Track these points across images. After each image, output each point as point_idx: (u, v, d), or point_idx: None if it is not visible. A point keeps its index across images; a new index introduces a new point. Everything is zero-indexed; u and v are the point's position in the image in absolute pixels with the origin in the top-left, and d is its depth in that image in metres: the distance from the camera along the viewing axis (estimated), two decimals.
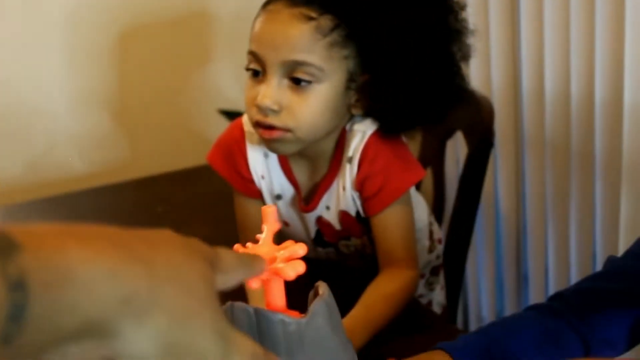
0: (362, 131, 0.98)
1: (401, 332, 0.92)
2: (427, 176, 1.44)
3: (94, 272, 0.35)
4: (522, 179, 1.72)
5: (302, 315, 0.52)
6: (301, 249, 0.54)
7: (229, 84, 2.07)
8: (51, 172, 1.99)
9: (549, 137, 1.57)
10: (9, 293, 0.32)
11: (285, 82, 0.91)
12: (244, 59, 0.95)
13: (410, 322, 0.96)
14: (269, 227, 0.56)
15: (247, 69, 0.94)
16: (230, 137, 1.05)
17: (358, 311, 0.90)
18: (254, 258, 0.49)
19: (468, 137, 1.30)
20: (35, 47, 1.91)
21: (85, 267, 0.35)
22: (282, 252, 0.53)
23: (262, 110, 0.91)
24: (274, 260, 0.52)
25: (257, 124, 0.93)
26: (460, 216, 1.29)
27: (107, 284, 0.35)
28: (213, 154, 1.07)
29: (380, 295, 0.93)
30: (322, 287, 0.54)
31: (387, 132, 0.98)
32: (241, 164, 1.03)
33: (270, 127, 0.91)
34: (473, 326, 1.99)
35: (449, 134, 1.37)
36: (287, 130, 0.91)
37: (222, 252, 0.45)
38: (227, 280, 0.44)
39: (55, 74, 1.95)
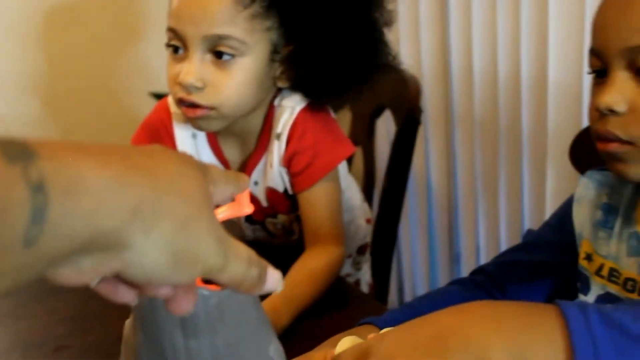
0: (291, 107, 0.97)
1: (328, 311, 0.92)
2: (358, 156, 1.44)
3: (105, 182, 0.36)
4: (452, 157, 1.74)
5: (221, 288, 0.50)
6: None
7: (159, 64, 2.03)
8: None
9: (478, 115, 1.59)
10: (31, 194, 0.32)
11: (208, 57, 0.89)
12: None
13: (337, 301, 0.95)
14: (237, 210, 0.54)
15: (168, 46, 0.92)
16: (157, 118, 1.03)
17: (285, 288, 0.89)
18: (239, 175, 0.50)
19: (396, 115, 1.29)
20: None
21: (97, 177, 0.35)
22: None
23: (185, 87, 0.89)
24: None
25: (180, 102, 0.91)
26: (389, 195, 1.29)
27: (117, 194, 0.36)
28: (138, 135, 1.04)
29: (305, 272, 0.92)
30: None
31: (314, 102, 0.97)
32: (169, 144, 1.01)
33: (194, 105, 0.90)
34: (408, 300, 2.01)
35: (378, 112, 1.37)
36: (212, 107, 0.90)
37: (210, 165, 0.47)
38: (216, 193, 0.45)
39: None
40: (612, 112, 0.62)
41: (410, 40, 1.72)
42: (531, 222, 1.53)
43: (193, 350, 0.48)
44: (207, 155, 1.01)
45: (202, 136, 1.01)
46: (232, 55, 0.88)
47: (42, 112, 1.99)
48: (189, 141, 1.01)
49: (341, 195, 1.02)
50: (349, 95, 0.98)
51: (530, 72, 1.44)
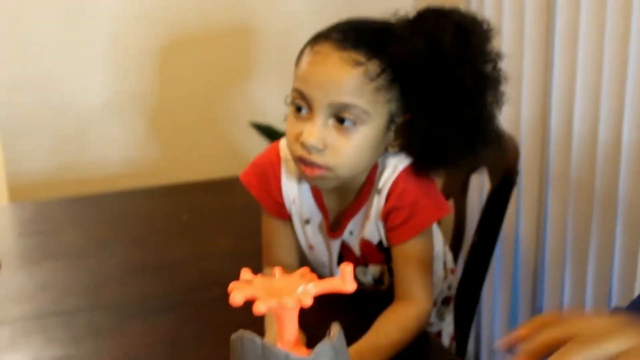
0: (394, 165, 1.01)
1: None
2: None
3: None
4: (544, 217, 1.73)
5: (310, 352, 0.54)
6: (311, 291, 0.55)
7: (264, 99, 2.12)
8: (84, 172, 2.05)
9: (573, 178, 1.59)
10: None
11: (331, 121, 0.94)
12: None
13: (418, 352, 0.98)
14: (338, 285, 0.57)
15: (292, 104, 0.97)
16: (267, 160, 1.09)
17: (370, 337, 0.93)
18: None
19: (492, 173, 1.32)
20: (79, 48, 1.98)
21: None
22: (299, 287, 0.55)
23: (306, 147, 0.94)
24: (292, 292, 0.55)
25: (299, 159, 0.97)
26: (478, 250, 1.31)
27: None
28: (248, 174, 1.10)
29: (394, 322, 0.95)
30: (334, 329, 0.57)
31: (419, 168, 1.01)
32: (275, 187, 1.07)
33: (313, 165, 0.95)
34: (484, 357, 2.00)
35: (474, 168, 1.39)
36: (329, 168, 0.95)
37: None
38: None
39: (96, 77, 2.01)
40: None
41: (512, 99, 1.73)
42: (620, 290, 1.51)
43: None
44: (308, 202, 1.06)
45: (306, 185, 1.06)
46: (354, 123, 0.93)
47: (148, 133, 2.11)
48: (294, 186, 1.06)
49: (433, 252, 1.05)
50: (457, 167, 1.02)
51: (631, 137, 1.43)
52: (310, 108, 0.94)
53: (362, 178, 1.03)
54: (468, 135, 0.96)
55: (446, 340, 1.25)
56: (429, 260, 1.03)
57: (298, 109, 0.96)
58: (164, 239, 1.41)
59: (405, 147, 0.99)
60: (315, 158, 0.94)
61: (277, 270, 0.60)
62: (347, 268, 0.59)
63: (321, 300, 0.63)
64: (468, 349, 2.01)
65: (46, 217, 1.57)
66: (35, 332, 1.06)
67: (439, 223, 1.36)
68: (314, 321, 0.68)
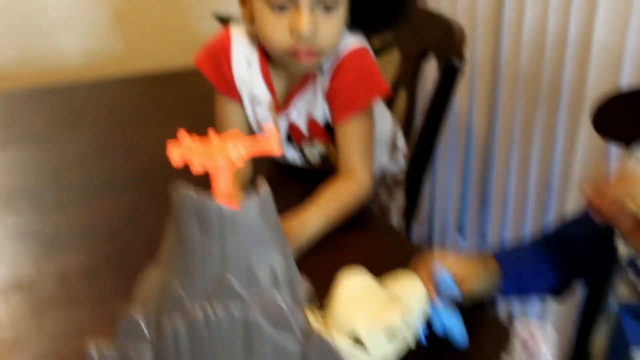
0: (337, 49, 1.07)
1: (351, 238, 1.02)
2: (402, 96, 1.52)
3: None
4: (494, 105, 1.81)
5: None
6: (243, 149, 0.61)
7: None
8: (47, 63, 2.07)
9: (523, 68, 1.65)
10: None
11: (317, 10, 1.00)
12: None
13: (362, 229, 1.06)
14: (264, 146, 0.63)
15: (270, 7, 1.00)
16: (219, 43, 1.14)
17: (312, 203, 1.01)
18: None
19: (439, 60, 1.37)
20: None
21: None
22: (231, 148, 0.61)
23: (302, 38, 1.00)
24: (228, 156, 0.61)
25: (293, 52, 1.02)
26: (425, 134, 1.38)
27: None
28: (201, 57, 1.16)
29: (331, 195, 1.04)
30: (262, 185, 0.63)
31: (358, 25, 1.08)
32: (226, 68, 1.12)
33: (309, 52, 1.02)
34: (436, 237, 2.12)
35: (423, 55, 1.44)
36: (321, 52, 1.03)
37: None
38: None
39: None
40: None
41: None
42: (559, 176, 1.61)
43: (206, 245, 0.60)
44: (257, 82, 1.12)
45: (255, 65, 1.12)
46: (335, 7, 1.01)
47: (110, 25, 2.12)
48: (245, 69, 1.12)
49: (374, 131, 1.12)
50: (390, 30, 1.08)
51: (577, 31, 1.49)
52: (295, 3, 0.99)
53: None
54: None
55: (395, 212, 1.34)
56: (369, 138, 1.10)
57: (280, 8, 1.00)
58: (125, 125, 1.46)
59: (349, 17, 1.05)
60: (310, 46, 1.01)
61: (211, 133, 0.66)
62: (270, 126, 0.65)
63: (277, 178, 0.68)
64: (422, 231, 2.13)
65: (11, 107, 1.60)
66: (2, 208, 1.13)
67: (391, 109, 1.43)
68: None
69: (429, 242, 2.14)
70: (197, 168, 0.65)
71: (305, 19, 0.99)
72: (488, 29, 1.76)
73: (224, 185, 0.63)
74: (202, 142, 0.65)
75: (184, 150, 0.63)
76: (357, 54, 1.09)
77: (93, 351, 0.65)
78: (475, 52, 1.80)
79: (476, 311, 0.83)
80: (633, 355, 0.74)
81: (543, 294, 0.91)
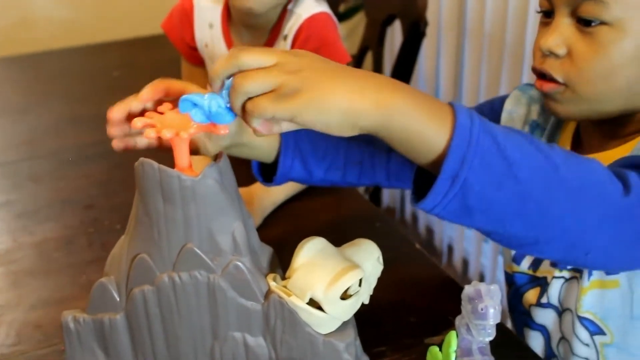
0: (299, 14, 1.09)
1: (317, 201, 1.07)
2: (368, 60, 1.55)
3: None
4: (460, 65, 1.84)
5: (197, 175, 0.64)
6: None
7: None
8: (18, 31, 2.07)
9: (487, 28, 1.69)
10: None
11: None
12: None
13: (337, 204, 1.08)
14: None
15: None
16: (181, 7, 1.17)
17: None
18: None
19: (404, 24, 1.40)
20: None
21: None
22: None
23: None
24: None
25: None
26: None
27: None
28: (166, 22, 1.19)
29: None
30: (220, 155, 0.67)
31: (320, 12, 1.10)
32: (188, 33, 1.15)
33: None
34: (407, 201, 2.17)
35: (389, 21, 1.47)
36: None
37: None
38: None
39: None
40: (552, 54, 0.69)
41: None
42: None
43: (169, 214, 0.63)
44: (219, 45, 1.15)
45: (217, 28, 1.15)
46: None
47: None
48: (207, 30, 1.15)
49: None
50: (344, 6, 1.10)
51: None
52: None
53: (272, 21, 1.11)
54: None
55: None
56: None
57: None
58: (96, 94, 1.48)
59: None
60: None
61: (167, 104, 0.69)
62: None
63: None
64: (388, 203, 2.17)
65: None
66: None
67: None
68: None
69: (401, 206, 2.20)
70: (154, 138, 0.69)
71: None
72: None
73: (183, 154, 0.66)
74: (162, 113, 0.68)
75: (146, 121, 0.66)
76: (317, 19, 1.10)
77: (69, 319, 0.70)
78: (441, 14, 1.83)
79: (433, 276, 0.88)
80: None
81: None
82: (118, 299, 0.68)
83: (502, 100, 0.85)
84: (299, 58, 0.55)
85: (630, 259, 0.60)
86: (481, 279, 1.82)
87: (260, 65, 0.54)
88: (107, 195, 1.10)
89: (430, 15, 1.61)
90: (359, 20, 1.68)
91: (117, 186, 1.12)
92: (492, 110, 0.86)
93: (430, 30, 1.64)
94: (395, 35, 1.85)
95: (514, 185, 0.53)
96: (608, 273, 0.72)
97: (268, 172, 0.81)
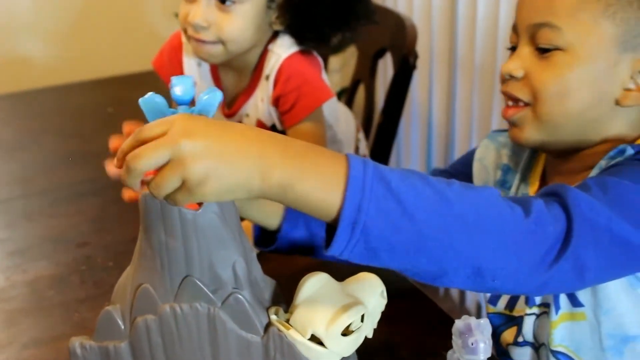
0: (278, 54, 1.11)
1: None
2: (361, 93, 1.56)
3: None
4: (452, 97, 1.86)
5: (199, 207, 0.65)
6: None
7: None
8: (11, 68, 2.07)
9: (478, 60, 1.70)
10: None
11: (213, 1, 1.04)
12: None
13: None
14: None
15: None
16: (170, 45, 1.20)
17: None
18: None
19: (394, 57, 1.41)
20: None
21: None
22: None
23: (193, 27, 1.05)
24: None
25: (191, 38, 1.08)
26: (383, 130, 1.43)
27: None
28: (157, 60, 1.21)
29: None
30: None
31: (304, 49, 1.11)
32: (177, 69, 1.16)
33: (200, 41, 1.06)
34: None
35: (381, 54, 1.48)
36: (215, 42, 1.06)
37: None
38: None
39: None
40: (512, 77, 0.73)
41: None
42: None
43: (171, 246, 0.64)
44: (207, 83, 1.16)
45: (205, 66, 1.16)
46: (233, 2, 1.04)
47: (74, 29, 2.13)
48: (195, 69, 1.16)
49: (326, 131, 1.16)
50: (336, 40, 1.11)
51: None
52: None
53: (253, 61, 1.13)
54: (340, 10, 1.07)
55: None
56: (321, 138, 1.14)
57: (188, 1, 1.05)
58: (90, 130, 1.49)
59: (284, 23, 1.09)
60: (202, 35, 1.06)
61: None
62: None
63: None
64: None
65: None
66: None
67: (351, 107, 1.48)
68: None
69: None
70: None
71: (194, 9, 1.04)
72: (443, 24, 1.80)
73: None
74: None
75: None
76: (295, 58, 1.11)
77: (76, 345, 0.69)
78: (433, 46, 1.84)
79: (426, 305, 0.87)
80: None
81: None
82: (123, 327, 0.69)
83: (474, 152, 0.89)
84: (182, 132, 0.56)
85: (540, 282, 0.60)
86: (478, 310, 1.81)
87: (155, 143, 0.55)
88: (100, 232, 1.09)
89: (422, 47, 1.62)
90: (351, 53, 1.69)
91: (109, 223, 1.11)
92: (465, 164, 0.90)
93: (421, 63, 1.66)
94: (387, 68, 1.87)
95: (412, 226, 0.55)
96: (574, 305, 0.73)
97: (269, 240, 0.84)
